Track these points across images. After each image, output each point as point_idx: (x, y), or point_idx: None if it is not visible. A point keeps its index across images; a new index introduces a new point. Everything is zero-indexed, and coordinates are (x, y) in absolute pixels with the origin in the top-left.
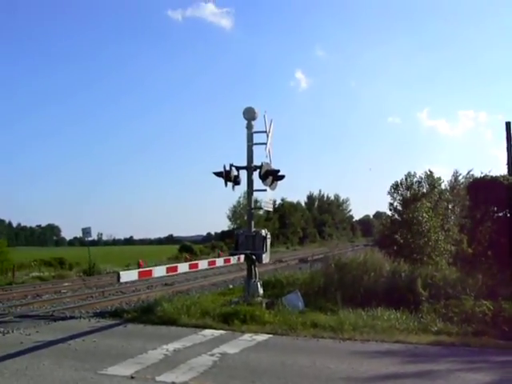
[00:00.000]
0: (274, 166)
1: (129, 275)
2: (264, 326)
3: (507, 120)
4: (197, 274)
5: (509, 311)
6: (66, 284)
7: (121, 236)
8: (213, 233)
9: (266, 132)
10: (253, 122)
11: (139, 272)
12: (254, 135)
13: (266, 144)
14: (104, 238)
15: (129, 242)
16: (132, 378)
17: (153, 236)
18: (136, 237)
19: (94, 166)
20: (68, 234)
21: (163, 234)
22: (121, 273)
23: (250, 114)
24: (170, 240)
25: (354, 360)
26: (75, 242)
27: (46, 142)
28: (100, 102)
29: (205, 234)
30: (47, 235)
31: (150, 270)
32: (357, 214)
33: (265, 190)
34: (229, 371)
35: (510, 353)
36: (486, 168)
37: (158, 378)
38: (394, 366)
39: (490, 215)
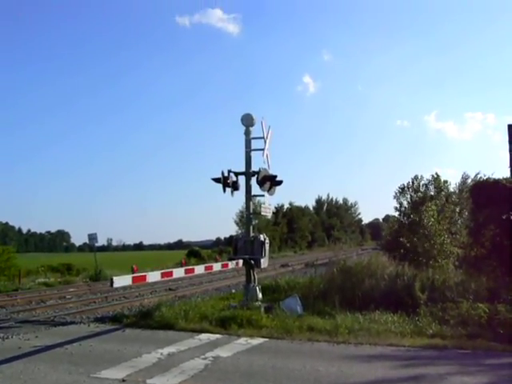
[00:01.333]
0: (281, 171)
1: (122, 280)
2: (260, 330)
3: None
4: (201, 279)
5: (504, 314)
6: (71, 290)
7: (130, 242)
8: (222, 238)
9: (263, 138)
10: (251, 128)
11: (133, 277)
12: (254, 141)
13: (263, 150)
14: (114, 243)
15: (138, 247)
16: (123, 381)
17: (162, 241)
18: (146, 242)
19: (105, 172)
20: (78, 239)
21: (173, 239)
22: (114, 278)
23: (248, 121)
24: (179, 245)
25: (344, 363)
26: (85, 248)
27: (56, 147)
28: (108, 107)
29: (214, 238)
30: (57, 241)
31: (145, 276)
32: (367, 217)
33: (263, 196)
34: (219, 374)
35: (502, 355)
36: (496, 171)
37: (148, 381)
38: (384, 370)
39: (492, 218)
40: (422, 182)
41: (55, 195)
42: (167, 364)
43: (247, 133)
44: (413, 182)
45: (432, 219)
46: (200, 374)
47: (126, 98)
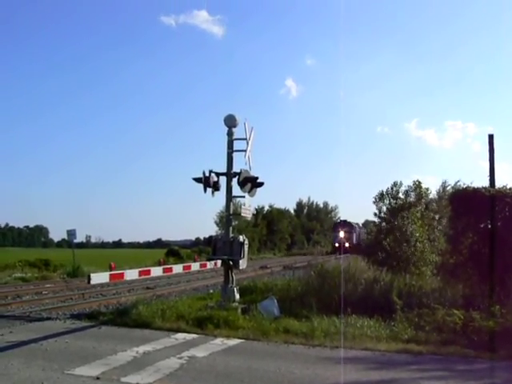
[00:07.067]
0: (262, 173)
1: (100, 277)
2: (237, 331)
3: (496, 132)
4: (180, 279)
5: (478, 321)
6: (48, 285)
7: (109, 239)
8: (201, 237)
9: (246, 139)
10: (234, 129)
11: (111, 274)
12: (236, 142)
13: (245, 151)
14: (92, 240)
15: (117, 245)
16: (97, 378)
17: (142, 239)
18: (125, 240)
19: (87, 170)
20: (56, 235)
21: (152, 238)
22: (92, 275)
23: (230, 122)
24: (158, 244)
25: (319, 366)
26: (63, 244)
27: (39, 147)
28: (93, 109)
29: (194, 238)
30: (35, 236)
31: (122, 273)
32: None
33: (243, 197)
34: (194, 374)
35: (475, 361)
36: (475, 179)
37: (123, 379)
38: (358, 373)
39: (471, 226)
40: (402, 189)
41: (35, 191)
42: (142, 362)
43: (230, 134)
44: (392, 188)
45: (415, 225)
46: (175, 373)
47: (107, 102)
